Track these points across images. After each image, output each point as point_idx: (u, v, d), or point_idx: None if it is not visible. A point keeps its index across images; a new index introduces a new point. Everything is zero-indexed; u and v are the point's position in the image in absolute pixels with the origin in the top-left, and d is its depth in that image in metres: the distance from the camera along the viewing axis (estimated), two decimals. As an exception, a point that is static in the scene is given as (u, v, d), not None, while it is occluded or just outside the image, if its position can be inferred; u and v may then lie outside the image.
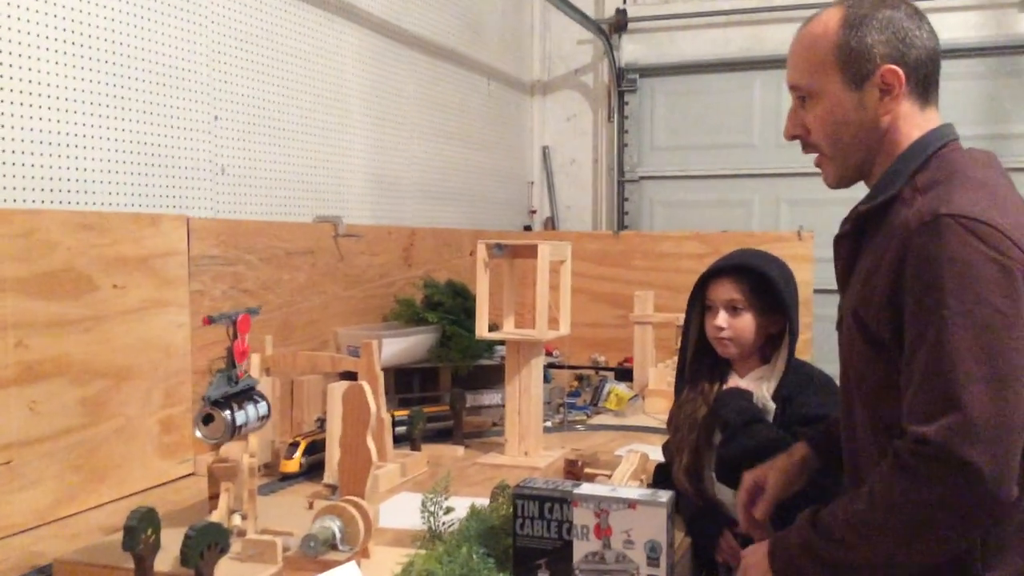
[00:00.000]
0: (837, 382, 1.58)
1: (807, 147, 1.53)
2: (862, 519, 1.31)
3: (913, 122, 1.45)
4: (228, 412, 1.71)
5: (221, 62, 2.67)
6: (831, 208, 1.64)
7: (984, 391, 1.22)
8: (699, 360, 2.12)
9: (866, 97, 1.44)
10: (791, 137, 1.54)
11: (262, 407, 1.80)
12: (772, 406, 1.99)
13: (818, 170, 1.55)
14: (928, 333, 1.27)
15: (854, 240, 1.48)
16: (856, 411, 1.46)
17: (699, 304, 2.11)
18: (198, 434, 1.72)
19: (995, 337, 1.24)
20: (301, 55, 3.04)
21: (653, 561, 1.48)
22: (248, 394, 1.78)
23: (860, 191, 1.58)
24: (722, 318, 2.03)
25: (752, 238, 3.89)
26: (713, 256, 2.16)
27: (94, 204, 2.25)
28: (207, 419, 1.70)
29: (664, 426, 2.97)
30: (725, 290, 2.04)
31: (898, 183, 1.41)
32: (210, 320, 1.75)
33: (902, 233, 1.33)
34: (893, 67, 1.42)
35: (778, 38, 4.73)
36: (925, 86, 1.46)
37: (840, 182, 1.53)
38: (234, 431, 1.72)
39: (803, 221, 4.07)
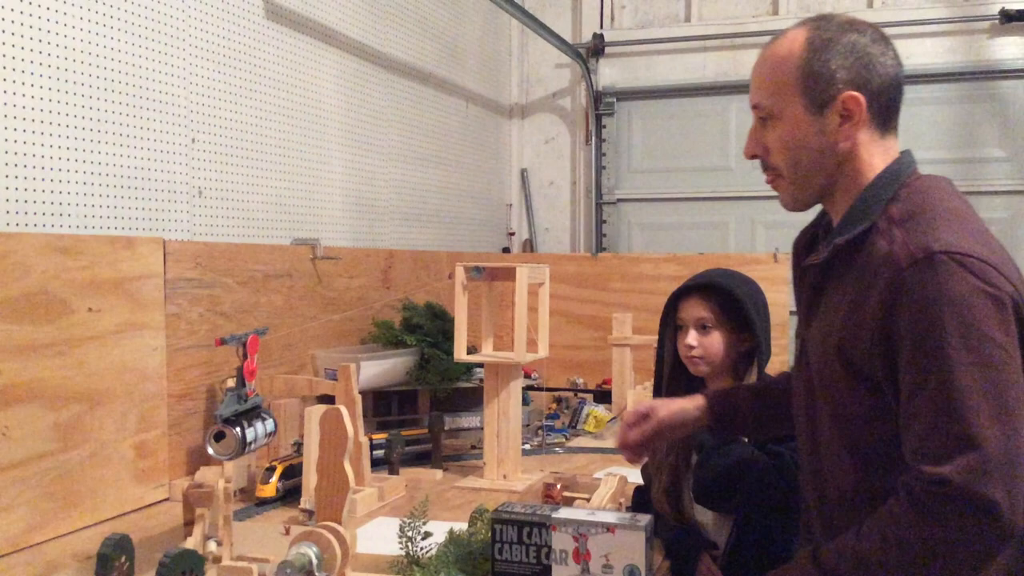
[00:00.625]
0: None
1: (766, 168, 1.52)
2: (875, 559, 1.30)
3: (874, 149, 1.44)
4: (239, 429, 1.75)
5: (199, 84, 2.66)
6: (807, 231, 1.68)
7: (996, 428, 1.23)
8: (675, 380, 2.13)
9: (826, 122, 1.42)
10: (751, 156, 1.53)
11: (269, 424, 1.84)
12: None
13: None
14: (933, 372, 1.26)
15: (823, 269, 1.47)
16: (824, 438, 1.46)
17: (672, 323, 2.12)
18: (210, 451, 1.76)
19: (999, 373, 1.25)
20: (279, 78, 3.04)
21: (632, 585, 1.47)
22: (256, 412, 1.82)
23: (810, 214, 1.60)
24: (692, 336, 2.04)
25: (729, 260, 3.91)
26: (684, 281, 2.17)
27: (69, 227, 2.23)
28: (218, 436, 1.74)
29: (643, 448, 2.97)
30: (694, 309, 2.05)
31: (872, 214, 1.40)
32: (222, 341, 1.80)
33: (889, 269, 1.32)
34: (854, 94, 1.40)
35: (751, 64, 4.77)
36: (887, 113, 1.45)
37: (796, 204, 1.52)
38: (244, 447, 1.76)
39: (779, 243, 4.11)
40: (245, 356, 1.81)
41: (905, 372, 1.30)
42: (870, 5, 4.69)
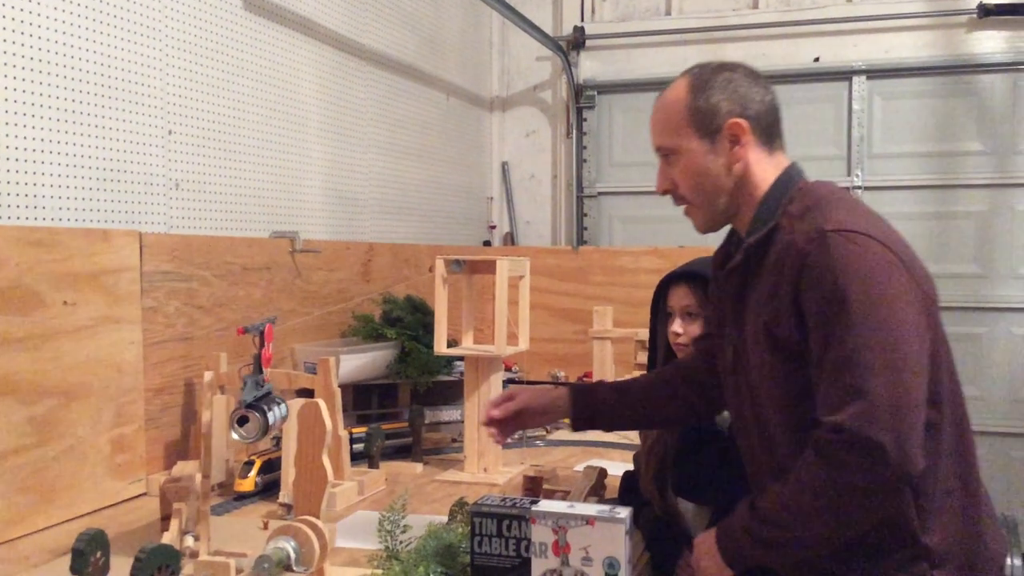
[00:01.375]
0: None
1: (677, 199, 1.73)
2: (794, 503, 1.48)
3: (764, 165, 1.66)
4: (260, 413, 1.85)
5: (175, 76, 2.64)
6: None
7: (883, 379, 1.40)
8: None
9: (719, 148, 1.65)
10: (663, 192, 1.74)
11: (283, 408, 1.93)
12: (727, 414, 2.01)
13: None
14: (833, 334, 1.45)
15: (742, 273, 1.66)
16: (772, 422, 1.61)
17: (663, 310, 2.14)
18: (234, 435, 1.85)
19: (888, 329, 1.43)
20: (257, 69, 3.01)
21: (611, 578, 1.47)
22: (271, 397, 1.92)
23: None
24: (678, 324, 2.06)
25: (708, 253, 3.91)
26: (670, 271, 2.18)
27: (44, 219, 2.21)
28: (242, 420, 1.84)
29: (623, 441, 2.99)
30: (680, 297, 2.07)
31: (775, 215, 1.61)
32: (244, 330, 1.91)
33: (793, 253, 1.52)
34: (737, 120, 1.63)
35: (733, 57, 4.78)
36: (769, 134, 1.67)
37: (708, 226, 1.74)
38: (267, 430, 1.87)
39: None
40: (262, 344, 1.90)
41: (814, 335, 1.49)
42: (849, 0, 4.71)
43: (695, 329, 2.05)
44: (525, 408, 1.98)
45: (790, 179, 1.65)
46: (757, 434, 1.66)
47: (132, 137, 2.48)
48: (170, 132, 2.62)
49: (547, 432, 3.12)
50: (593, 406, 1.97)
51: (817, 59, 4.71)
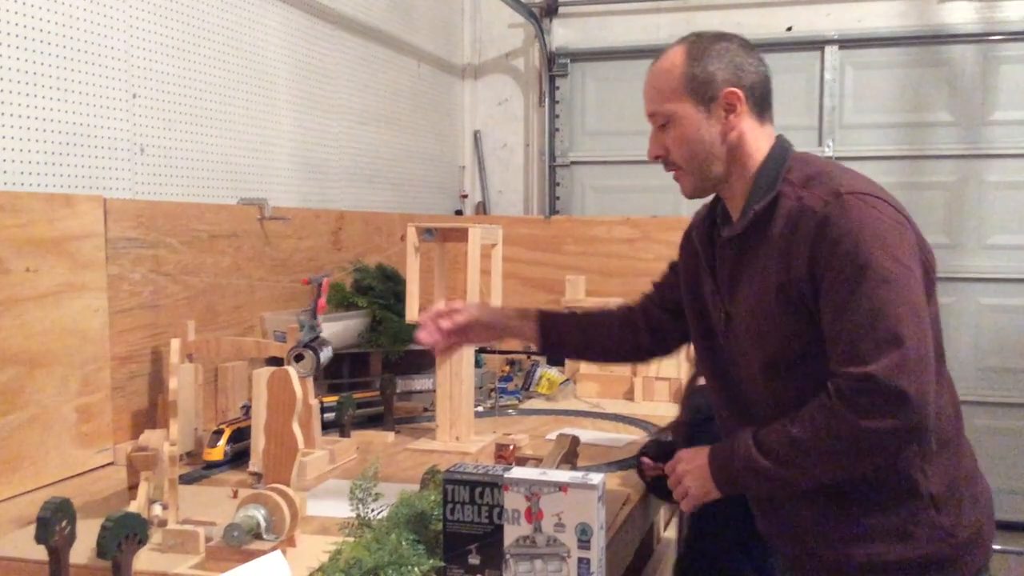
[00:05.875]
0: None
1: (668, 165, 1.75)
2: (808, 444, 1.53)
3: (757, 135, 1.69)
4: (313, 352, 2.15)
5: (140, 38, 2.58)
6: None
7: (915, 330, 1.47)
8: None
9: (714, 116, 1.67)
10: (654, 158, 1.77)
11: (329, 350, 2.24)
12: None
13: None
14: (860, 289, 1.49)
15: (740, 241, 1.69)
16: (750, 388, 1.70)
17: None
18: (291, 370, 2.04)
19: (908, 287, 1.50)
20: (225, 32, 2.95)
21: (584, 544, 1.47)
22: (322, 339, 2.21)
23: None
24: None
25: (680, 223, 3.91)
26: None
27: (4, 184, 2.15)
28: (298, 358, 2.13)
29: (594, 410, 3.00)
30: None
31: (776, 184, 1.64)
32: (309, 281, 2.25)
33: (808, 216, 1.57)
34: (734, 89, 1.66)
35: (707, 24, 4.76)
36: (762, 105, 1.71)
37: (696, 192, 1.76)
38: (318, 367, 2.19)
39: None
40: (319, 295, 2.17)
41: (832, 294, 1.53)
42: (823, -32, 4.70)
43: None
44: (474, 322, 2.01)
45: (784, 150, 1.69)
46: (732, 397, 1.75)
47: (95, 100, 2.42)
48: (135, 95, 2.56)
49: (519, 402, 3.12)
50: (559, 339, 2.06)
51: (790, 28, 4.70)
